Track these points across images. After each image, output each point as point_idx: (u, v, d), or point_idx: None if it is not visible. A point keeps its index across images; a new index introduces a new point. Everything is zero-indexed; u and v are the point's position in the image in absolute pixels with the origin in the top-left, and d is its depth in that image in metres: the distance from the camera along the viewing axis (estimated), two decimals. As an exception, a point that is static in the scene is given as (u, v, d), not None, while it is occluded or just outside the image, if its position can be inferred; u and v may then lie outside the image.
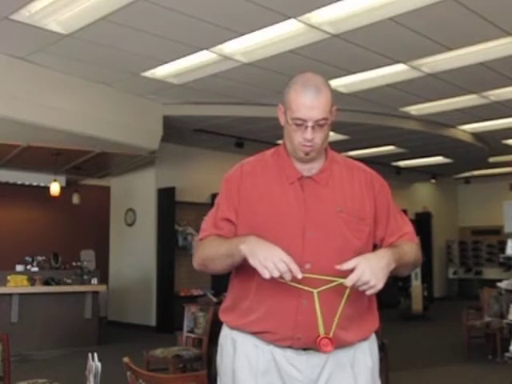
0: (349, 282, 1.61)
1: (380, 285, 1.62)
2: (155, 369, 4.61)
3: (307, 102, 1.71)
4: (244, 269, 1.79)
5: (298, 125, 1.73)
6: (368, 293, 1.63)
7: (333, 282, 1.66)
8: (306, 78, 1.77)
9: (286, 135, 1.82)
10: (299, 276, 1.59)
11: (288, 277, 1.59)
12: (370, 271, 1.61)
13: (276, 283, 1.73)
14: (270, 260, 1.59)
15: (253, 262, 1.62)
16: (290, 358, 1.76)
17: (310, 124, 1.71)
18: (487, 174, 14.40)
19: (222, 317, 1.91)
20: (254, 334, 1.79)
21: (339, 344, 1.74)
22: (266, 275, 1.58)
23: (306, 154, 1.77)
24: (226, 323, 1.89)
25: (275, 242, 1.69)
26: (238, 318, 1.83)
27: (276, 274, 1.58)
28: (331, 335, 1.66)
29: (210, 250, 1.80)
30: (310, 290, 1.67)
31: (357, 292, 1.72)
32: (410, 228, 1.91)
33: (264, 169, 1.86)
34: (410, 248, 1.85)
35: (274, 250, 1.61)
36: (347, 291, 1.66)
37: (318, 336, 1.65)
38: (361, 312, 1.82)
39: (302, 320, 1.72)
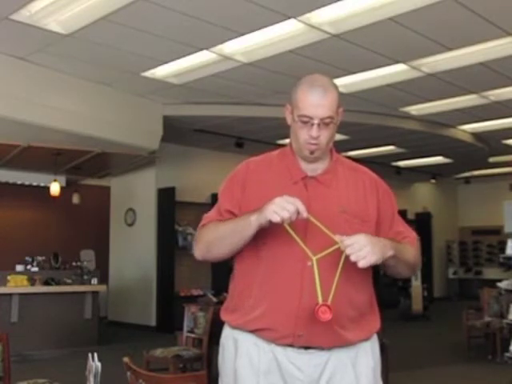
0: (347, 241, 1.61)
1: (374, 257, 1.61)
2: (155, 369, 4.61)
3: (314, 101, 1.74)
4: (246, 266, 1.81)
5: (304, 122, 1.75)
6: (361, 263, 1.60)
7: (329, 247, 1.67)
8: (313, 79, 1.80)
9: (292, 134, 1.84)
10: (305, 215, 1.62)
11: (294, 217, 1.61)
12: (369, 240, 1.62)
13: (277, 279, 1.75)
14: (277, 204, 1.62)
15: (262, 216, 1.64)
16: (292, 357, 1.76)
17: (315, 121, 1.74)
18: (487, 174, 14.40)
19: (223, 316, 1.91)
20: (255, 331, 1.79)
21: (341, 343, 1.76)
22: (277, 218, 1.61)
23: (311, 152, 1.79)
24: (228, 323, 1.89)
25: (277, 240, 1.75)
26: (240, 316, 1.83)
27: (286, 215, 1.60)
28: (329, 302, 1.65)
29: (215, 231, 1.80)
30: (311, 255, 1.68)
31: (358, 292, 1.75)
32: (412, 234, 1.93)
33: (269, 168, 1.88)
34: (410, 248, 1.86)
35: (281, 197, 1.65)
36: (343, 257, 1.64)
37: (317, 304, 1.64)
38: (362, 312, 1.82)
39: (304, 317, 1.72)
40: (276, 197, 1.76)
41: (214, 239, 1.81)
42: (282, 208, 1.61)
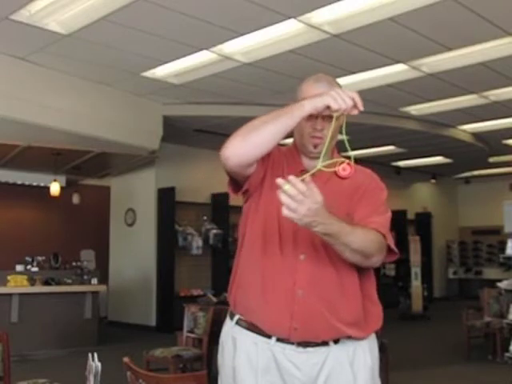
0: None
1: (294, 215, 1.51)
2: (155, 369, 4.61)
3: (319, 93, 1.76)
4: (241, 259, 1.87)
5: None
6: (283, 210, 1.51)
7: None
8: (317, 76, 1.88)
9: (296, 131, 1.87)
10: (361, 108, 1.67)
11: (348, 110, 1.67)
12: (316, 207, 1.52)
13: (271, 273, 1.78)
14: (338, 93, 1.64)
15: (319, 100, 1.64)
16: (290, 355, 1.78)
17: (319, 114, 1.75)
18: (487, 174, 14.40)
19: (228, 297, 1.95)
20: (252, 322, 1.81)
21: (337, 335, 1.78)
22: (335, 105, 1.63)
23: (315, 146, 1.83)
24: (230, 303, 1.91)
25: (272, 231, 1.80)
26: (239, 303, 1.86)
27: (343, 105, 1.63)
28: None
29: (258, 119, 1.71)
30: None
31: (357, 291, 1.78)
32: (382, 221, 1.80)
33: (280, 159, 1.92)
34: (361, 232, 1.70)
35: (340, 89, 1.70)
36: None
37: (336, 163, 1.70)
38: (357, 304, 1.83)
39: (299, 310, 1.75)
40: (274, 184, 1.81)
41: (256, 124, 1.69)
42: (342, 98, 1.63)
